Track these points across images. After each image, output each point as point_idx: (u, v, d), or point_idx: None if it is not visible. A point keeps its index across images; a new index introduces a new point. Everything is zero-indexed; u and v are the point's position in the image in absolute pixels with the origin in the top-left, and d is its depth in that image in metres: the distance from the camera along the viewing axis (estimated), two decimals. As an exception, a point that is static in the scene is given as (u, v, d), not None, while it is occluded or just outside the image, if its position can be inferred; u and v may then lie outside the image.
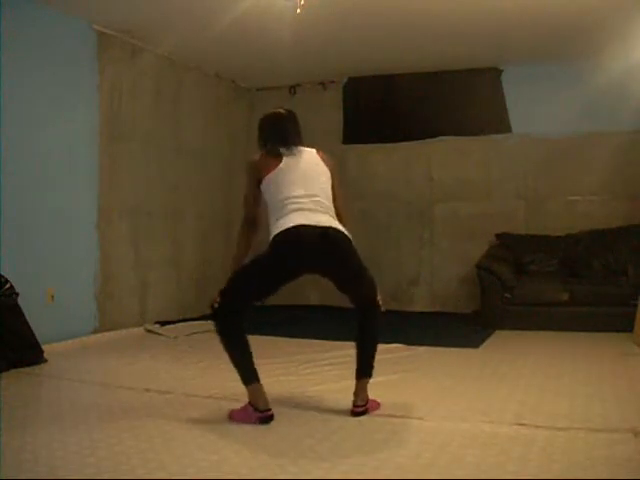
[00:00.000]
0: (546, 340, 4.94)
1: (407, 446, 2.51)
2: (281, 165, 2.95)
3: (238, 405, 2.93)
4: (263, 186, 2.97)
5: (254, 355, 2.88)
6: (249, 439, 2.61)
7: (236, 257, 3.04)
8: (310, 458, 2.39)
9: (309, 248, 2.83)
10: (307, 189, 2.93)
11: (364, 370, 2.97)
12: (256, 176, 3.00)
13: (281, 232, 2.83)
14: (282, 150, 2.97)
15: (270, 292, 2.94)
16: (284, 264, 2.88)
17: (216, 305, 2.85)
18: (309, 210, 2.88)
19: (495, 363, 4.13)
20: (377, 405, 3.04)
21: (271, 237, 2.87)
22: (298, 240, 2.82)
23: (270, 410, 2.82)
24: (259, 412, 2.80)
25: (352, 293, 3.00)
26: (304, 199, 2.90)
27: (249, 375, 2.84)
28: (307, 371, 3.92)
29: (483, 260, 5.89)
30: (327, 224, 2.88)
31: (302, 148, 3.05)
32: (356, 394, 2.96)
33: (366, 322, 2.98)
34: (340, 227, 2.94)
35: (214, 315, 2.87)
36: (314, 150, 3.08)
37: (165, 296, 6.05)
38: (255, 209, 3.04)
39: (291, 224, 2.82)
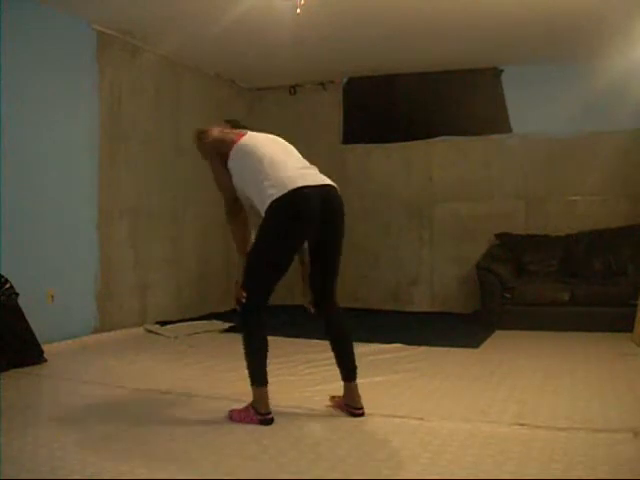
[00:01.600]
0: (546, 340, 4.94)
1: (407, 446, 2.51)
2: (248, 134, 2.85)
3: (238, 405, 2.92)
4: (232, 158, 2.80)
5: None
6: (249, 439, 2.61)
7: (239, 250, 2.87)
8: (310, 458, 2.39)
9: (314, 209, 2.66)
10: (286, 154, 2.82)
11: (351, 373, 2.90)
12: (222, 150, 2.83)
13: (282, 196, 2.63)
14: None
15: (287, 268, 2.76)
16: (292, 230, 2.69)
17: (244, 300, 2.73)
18: (302, 168, 2.76)
19: (495, 363, 4.13)
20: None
21: (267, 203, 2.66)
22: (302, 201, 2.64)
23: (270, 414, 2.79)
24: (260, 415, 2.78)
25: (325, 279, 2.86)
26: (289, 162, 2.76)
27: (260, 377, 2.78)
28: (307, 371, 3.92)
29: (483, 260, 5.89)
30: (327, 181, 2.76)
31: None
32: (350, 397, 2.90)
33: (335, 318, 2.90)
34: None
35: (244, 311, 2.76)
36: None
37: (165, 296, 6.05)
38: (233, 189, 2.84)
39: (290, 187, 2.63)
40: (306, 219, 2.68)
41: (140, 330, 5.46)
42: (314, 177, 2.75)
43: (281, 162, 2.75)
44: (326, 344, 4.66)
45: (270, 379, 2.81)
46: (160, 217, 6.01)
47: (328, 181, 2.78)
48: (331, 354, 4.31)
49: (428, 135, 6.81)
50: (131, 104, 5.59)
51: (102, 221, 5.27)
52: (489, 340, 4.99)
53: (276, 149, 2.83)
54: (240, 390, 2.98)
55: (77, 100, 5.05)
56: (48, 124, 4.75)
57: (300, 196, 2.65)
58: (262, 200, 2.70)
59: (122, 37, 5.42)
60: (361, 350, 4.48)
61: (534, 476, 2.18)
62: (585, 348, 4.59)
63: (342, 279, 2.98)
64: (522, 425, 2.74)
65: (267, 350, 2.81)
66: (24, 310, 4.12)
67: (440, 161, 6.82)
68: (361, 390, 2.94)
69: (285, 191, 2.63)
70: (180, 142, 6.27)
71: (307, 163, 2.86)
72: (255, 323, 2.77)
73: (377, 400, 3.13)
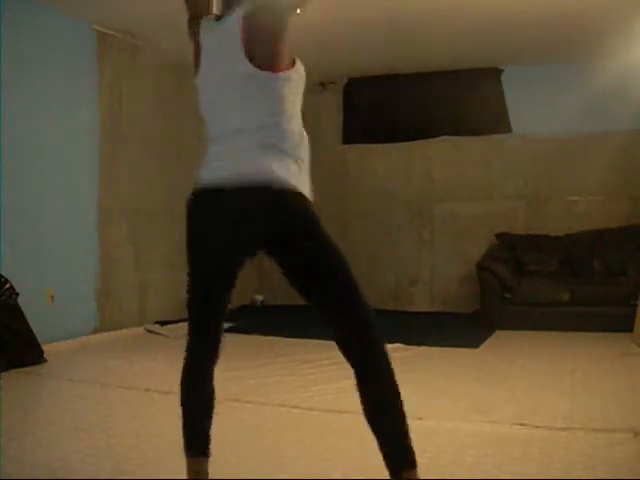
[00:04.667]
0: (546, 340, 4.94)
1: (407, 446, 2.51)
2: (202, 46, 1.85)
3: (237, 404, 2.91)
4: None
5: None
6: (249, 439, 2.61)
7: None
8: (310, 458, 2.39)
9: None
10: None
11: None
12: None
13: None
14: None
15: None
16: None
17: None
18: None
19: (495, 363, 4.13)
20: None
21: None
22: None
23: None
24: None
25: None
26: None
27: None
28: (307, 371, 3.91)
29: (483, 260, 5.89)
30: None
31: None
32: None
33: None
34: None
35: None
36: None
37: (165, 296, 6.04)
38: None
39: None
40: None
41: (140, 330, 5.46)
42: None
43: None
44: (326, 344, 4.65)
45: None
46: (160, 217, 6.01)
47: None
48: (331, 354, 4.31)
49: (428, 135, 6.81)
50: (131, 104, 5.59)
51: (102, 221, 5.27)
52: (489, 340, 4.99)
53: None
54: (239, 390, 2.98)
55: (77, 100, 5.05)
56: (48, 124, 4.75)
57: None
58: None
59: (122, 37, 5.42)
60: (361, 350, 4.51)
61: (534, 476, 2.18)
62: (585, 348, 4.59)
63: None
64: (522, 425, 2.74)
65: None
66: (24, 310, 4.12)
67: (440, 161, 6.82)
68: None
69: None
70: (180, 142, 6.26)
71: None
72: None
73: (377, 400, 3.12)
